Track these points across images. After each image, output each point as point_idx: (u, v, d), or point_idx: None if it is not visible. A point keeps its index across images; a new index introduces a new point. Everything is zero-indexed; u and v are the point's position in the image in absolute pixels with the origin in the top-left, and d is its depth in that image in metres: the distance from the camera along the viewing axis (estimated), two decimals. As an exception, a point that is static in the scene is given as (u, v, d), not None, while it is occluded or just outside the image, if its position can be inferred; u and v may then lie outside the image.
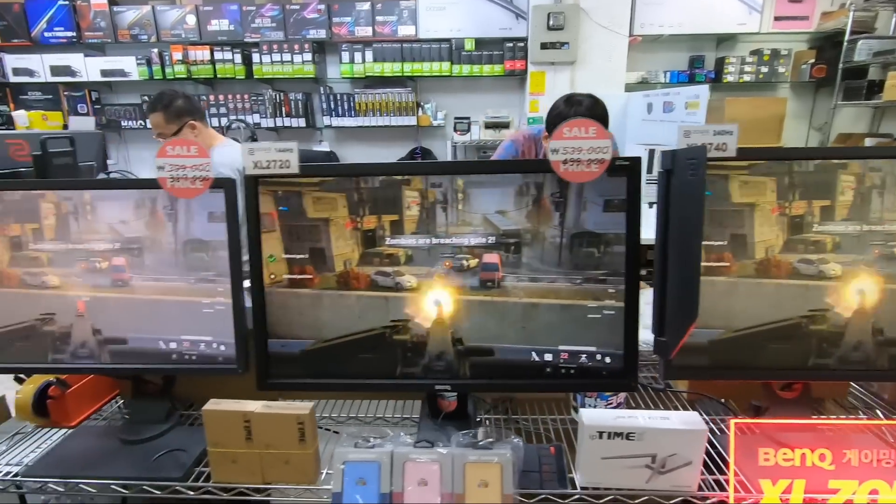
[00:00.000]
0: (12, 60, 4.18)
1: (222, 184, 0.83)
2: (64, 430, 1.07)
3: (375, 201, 0.84)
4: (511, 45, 3.99)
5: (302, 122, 4.22)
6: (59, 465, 0.94)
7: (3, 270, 0.87)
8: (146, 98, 4.18)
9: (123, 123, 4.26)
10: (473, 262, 0.84)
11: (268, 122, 4.20)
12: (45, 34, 4.11)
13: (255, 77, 4.09)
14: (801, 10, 4.05)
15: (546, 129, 1.66)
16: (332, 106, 4.17)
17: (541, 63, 4.00)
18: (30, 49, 4.19)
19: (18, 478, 0.92)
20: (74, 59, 4.15)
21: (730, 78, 4.14)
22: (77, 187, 0.85)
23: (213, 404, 0.88)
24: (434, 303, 0.85)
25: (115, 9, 4.04)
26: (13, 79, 4.21)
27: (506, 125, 4.13)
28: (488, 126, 4.12)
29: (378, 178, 0.84)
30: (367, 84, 4.24)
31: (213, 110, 4.19)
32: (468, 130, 4.13)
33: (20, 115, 3.21)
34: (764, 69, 4.12)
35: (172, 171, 0.82)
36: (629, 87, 4.08)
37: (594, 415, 0.86)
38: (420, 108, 4.22)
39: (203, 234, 0.86)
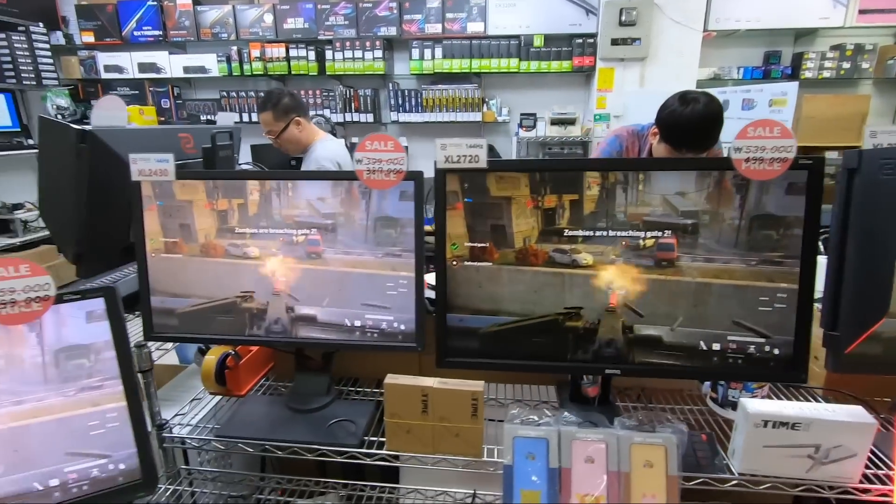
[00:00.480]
0: (104, 58, 4.46)
1: (413, 176, 0.91)
2: (233, 399, 1.19)
3: (556, 182, 0.89)
4: (580, 41, 3.97)
5: (370, 118, 4.34)
6: (246, 427, 1.05)
7: (210, 241, 0.97)
8: (224, 93, 4.39)
9: (203, 117, 4.48)
10: (650, 243, 0.88)
11: (337, 117, 4.34)
12: (135, 33, 4.37)
13: (328, 73, 4.22)
14: (888, 3, 3.86)
15: (657, 126, 1.67)
16: (400, 101, 4.27)
17: (610, 59, 3.97)
18: (120, 48, 4.46)
19: (214, 436, 1.03)
20: (160, 57, 4.39)
21: (808, 74, 4.00)
22: (286, 178, 0.94)
23: (392, 379, 0.97)
24: (608, 282, 0.91)
25: (199, 8, 4.25)
26: (104, 75, 4.50)
27: (572, 122, 4.12)
28: (554, 122, 4.13)
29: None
30: (433, 80, 4.32)
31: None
32: (534, 126, 4.14)
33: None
34: (846, 65, 3.96)
35: (369, 165, 0.90)
36: (700, 84, 4.00)
37: (757, 404, 0.90)
38: (485, 105, 4.26)
39: (393, 211, 0.94)
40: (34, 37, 4.04)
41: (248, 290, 0.97)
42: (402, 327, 0.95)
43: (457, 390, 0.94)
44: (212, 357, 1.13)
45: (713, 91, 3.38)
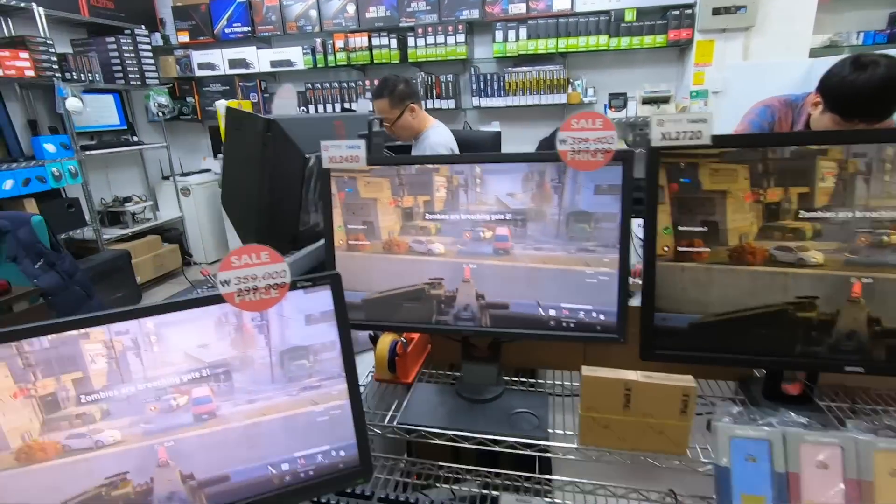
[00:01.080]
0: (198, 56, 4.68)
1: (623, 156, 0.84)
2: (396, 387, 1.19)
3: (783, 172, 0.80)
4: (677, 12, 3.72)
5: (451, 104, 4.30)
6: (426, 415, 1.04)
7: (393, 239, 0.96)
8: (309, 85, 4.49)
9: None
10: (895, 238, 0.78)
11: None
12: (226, 30, 4.55)
13: (409, 61, 4.21)
14: None
15: (820, 95, 1.51)
16: (482, 86, 4.19)
17: (710, 31, 3.70)
18: (212, 45, 4.66)
19: (397, 423, 1.03)
20: (248, 52, 4.55)
21: (944, 36, 3.55)
22: (490, 161, 0.91)
23: (590, 371, 0.92)
24: (846, 279, 0.81)
25: (284, 2, 4.35)
26: (198, 73, 4.72)
27: (665, 100, 3.89)
28: (646, 102, 3.91)
29: (788, 149, 0.80)
30: (514, 63, 4.20)
31: (370, 95, 4.39)
32: (624, 107, 3.95)
33: (221, 105, 3.61)
34: None
35: (574, 144, 0.84)
36: (814, 53, 3.65)
37: None
38: (570, 86, 4.11)
39: (588, 206, 0.88)
40: (138, 39, 4.30)
41: (437, 276, 0.95)
42: (602, 317, 0.90)
43: (666, 385, 0.87)
44: (384, 345, 1.13)
45: (829, 60, 3.09)
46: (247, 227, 1.11)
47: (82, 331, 0.67)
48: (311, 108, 4.52)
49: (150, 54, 4.44)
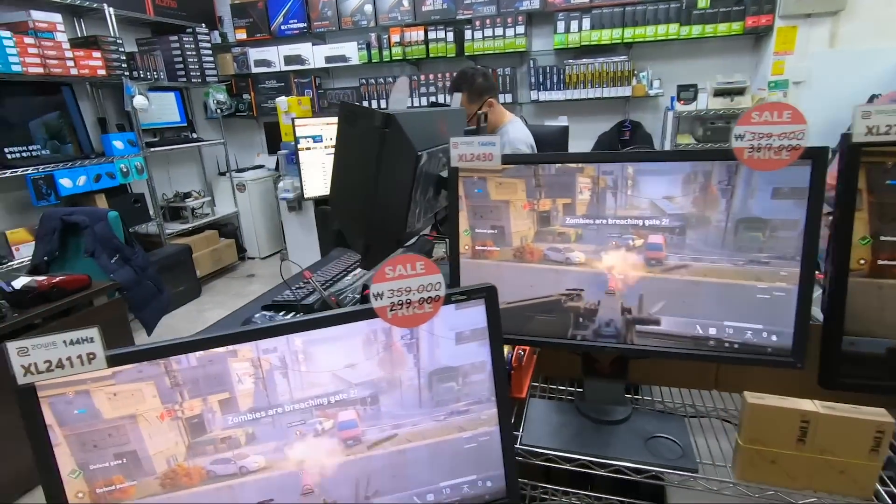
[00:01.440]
0: (254, 53, 4.72)
1: (813, 154, 0.73)
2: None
3: None
4: (756, -3, 3.48)
5: (508, 98, 4.18)
6: (552, 437, 0.95)
7: (526, 245, 0.88)
8: (363, 81, 4.46)
9: (342, 106, 4.59)
10: None
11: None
12: (282, 27, 4.57)
13: (466, 54, 4.11)
14: None
15: None
16: (541, 79, 4.06)
17: (793, 16, 3.44)
18: (268, 42, 4.70)
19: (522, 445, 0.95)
20: (304, 49, 4.56)
21: None
22: (649, 160, 0.81)
23: (756, 398, 0.81)
24: None
25: (340, -2, 4.33)
26: (254, 70, 4.77)
27: (740, 91, 3.66)
28: (718, 93, 3.69)
29: None
30: (574, 55, 4.04)
31: (423, 89, 4.33)
32: (694, 99, 3.73)
33: (282, 101, 3.62)
34: None
35: (755, 141, 0.73)
36: (912, 38, 3.34)
37: None
38: (634, 77, 3.92)
39: (763, 212, 0.77)
40: (199, 37, 4.37)
41: (576, 287, 0.86)
42: (774, 339, 0.79)
43: (857, 419, 0.76)
44: (499, 357, 1.04)
45: None
46: (355, 229, 1.05)
47: (230, 348, 0.61)
48: (366, 103, 4.49)
49: (210, 52, 4.51)
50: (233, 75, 4.87)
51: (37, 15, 3.09)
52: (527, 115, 4.37)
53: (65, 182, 3.32)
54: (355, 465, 0.67)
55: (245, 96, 4.90)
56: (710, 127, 3.73)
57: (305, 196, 3.64)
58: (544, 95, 4.07)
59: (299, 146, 3.51)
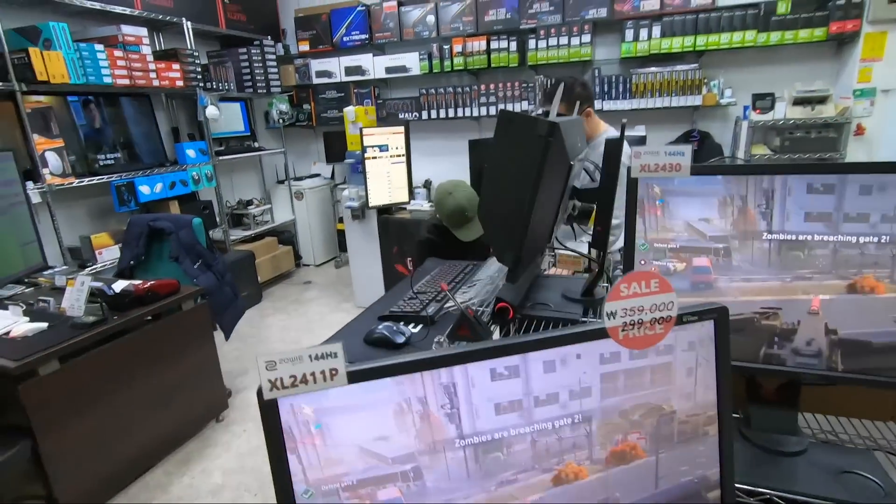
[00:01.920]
0: (316, 65, 4.83)
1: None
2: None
3: None
4: (842, 2, 3.32)
5: (571, 108, 4.11)
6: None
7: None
8: (423, 91, 4.49)
9: (401, 115, 4.63)
10: None
11: (536, 109, 4.19)
12: (344, 39, 4.66)
13: (529, 64, 4.09)
14: None
15: None
16: (605, 88, 3.98)
17: (882, 21, 3.27)
18: (330, 53, 4.79)
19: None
20: (364, 59, 4.63)
21: None
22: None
23: None
24: None
25: (403, 9, 4.38)
26: (315, 80, 4.87)
27: (822, 100, 3.49)
28: (797, 102, 3.53)
29: None
30: (640, 63, 3.96)
31: (483, 99, 4.32)
32: (771, 108, 3.58)
33: (349, 111, 3.67)
34: None
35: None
36: None
37: None
38: (705, 86, 3.80)
39: None
40: (266, 49, 4.49)
41: (772, 306, 0.80)
42: None
43: None
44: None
45: None
46: (504, 240, 1.02)
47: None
48: (424, 113, 4.52)
49: (275, 63, 4.64)
50: (294, 86, 4.99)
51: (126, 29, 3.24)
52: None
53: (144, 189, 3.45)
54: None
55: (305, 106, 5.00)
56: (788, 137, 3.57)
57: (370, 205, 3.68)
58: (609, 105, 3.99)
59: (366, 155, 3.54)
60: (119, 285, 2.15)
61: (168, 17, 3.65)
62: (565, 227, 1.32)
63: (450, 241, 2.20)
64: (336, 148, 4.98)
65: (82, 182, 3.10)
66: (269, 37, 4.63)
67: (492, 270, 1.59)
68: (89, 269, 3.16)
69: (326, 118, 4.95)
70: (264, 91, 4.55)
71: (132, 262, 2.77)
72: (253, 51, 4.38)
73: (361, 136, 3.50)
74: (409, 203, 3.82)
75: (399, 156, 3.70)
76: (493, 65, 4.20)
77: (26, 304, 2.25)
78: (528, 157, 0.95)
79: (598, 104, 4.02)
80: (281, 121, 4.76)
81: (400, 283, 1.71)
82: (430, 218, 2.30)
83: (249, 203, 4.70)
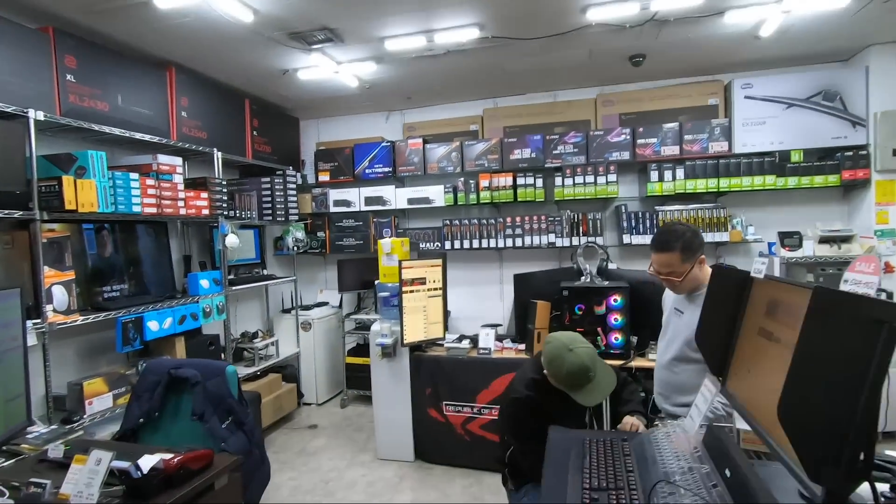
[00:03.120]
0: (334, 194, 4.80)
1: None
2: None
3: None
4: (850, 153, 3.62)
5: (600, 240, 4.14)
6: None
7: None
8: (447, 221, 4.45)
9: (422, 245, 4.54)
10: None
11: (563, 241, 4.19)
12: (367, 171, 4.70)
13: (556, 199, 4.17)
14: None
15: None
16: (632, 224, 4.06)
17: (889, 171, 3.55)
18: (350, 184, 4.80)
19: None
20: (386, 190, 4.64)
21: None
22: None
23: None
24: None
25: (428, 146, 4.52)
26: (333, 209, 4.81)
27: (847, 239, 3.63)
28: (823, 241, 3.66)
29: None
30: (661, 201, 4.10)
31: (509, 231, 4.31)
32: (799, 246, 3.69)
33: (386, 243, 3.51)
34: None
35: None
36: None
37: None
38: (728, 224, 3.92)
39: None
40: (288, 178, 4.45)
41: None
42: None
43: None
44: None
45: None
46: (822, 448, 0.77)
47: None
48: (448, 243, 4.44)
49: (295, 192, 4.57)
50: (310, 213, 4.89)
51: (162, 159, 3.10)
52: (613, 258, 4.30)
53: (152, 325, 3.04)
54: None
55: (319, 234, 4.86)
56: (821, 273, 3.63)
57: (404, 341, 3.37)
58: (637, 239, 4.03)
59: (405, 289, 3.33)
60: (147, 462, 1.69)
61: (201, 148, 3.57)
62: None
63: (550, 400, 1.90)
64: (350, 277, 4.76)
65: (87, 319, 2.69)
66: (290, 167, 4.62)
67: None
68: (75, 424, 2.61)
69: (341, 246, 4.80)
70: (283, 219, 4.41)
71: (141, 420, 2.29)
72: (276, 180, 4.32)
73: (400, 269, 3.31)
74: (444, 339, 3.53)
75: (436, 289, 3.49)
76: (518, 199, 4.26)
77: (8, 487, 1.73)
78: (858, 347, 0.75)
79: (626, 238, 4.07)
80: (296, 248, 4.56)
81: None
82: (528, 369, 2.01)
83: (255, 336, 4.28)
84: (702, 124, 3.92)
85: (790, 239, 3.72)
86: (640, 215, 4.05)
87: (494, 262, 4.71)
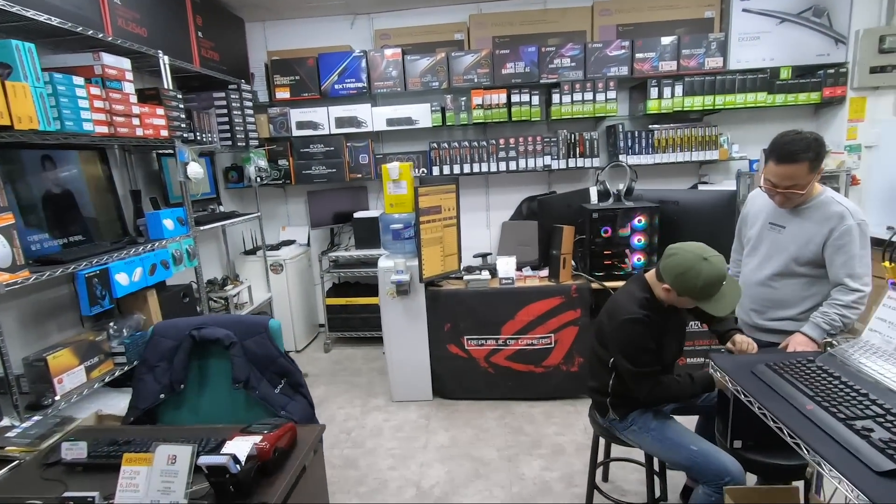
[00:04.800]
0: (297, 115, 4.11)
1: None
2: None
3: None
4: (832, 70, 3.77)
5: (596, 161, 4.03)
6: None
7: None
8: (434, 145, 4.05)
9: (406, 172, 4.11)
10: None
11: (559, 163, 4.02)
12: (336, 87, 4.05)
13: (553, 118, 3.93)
14: None
15: None
16: (629, 144, 3.98)
17: (864, 88, 3.77)
18: (317, 102, 4.14)
19: None
20: (360, 110, 4.07)
21: None
22: None
23: None
24: None
25: (408, 58, 3.97)
26: (296, 132, 4.14)
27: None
28: (802, 156, 3.87)
29: None
30: (655, 120, 4.05)
31: (503, 154, 4.03)
32: (783, 162, 3.87)
33: (393, 168, 3.05)
34: None
35: None
36: (954, 109, 3.80)
37: None
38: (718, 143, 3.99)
39: None
40: (244, 95, 3.70)
41: None
42: None
43: None
44: None
45: None
46: None
47: None
48: (436, 169, 4.07)
49: (252, 113, 3.83)
50: (268, 138, 4.18)
51: (108, 59, 2.32)
52: (607, 177, 4.24)
53: (121, 279, 2.42)
54: None
55: (281, 162, 4.20)
56: (800, 188, 3.86)
57: (423, 276, 3.08)
58: (633, 159, 3.97)
59: (422, 219, 2.99)
60: (241, 448, 1.30)
61: (144, 49, 2.74)
62: None
63: (659, 319, 1.79)
64: (321, 210, 4.24)
65: (41, 276, 2.03)
66: (243, 81, 3.83)
67: None
68: (48, 409, 2.04)
69: (309, 175, 4.20)
70: (244, 144, 3.70)
71: (162, 396, 1.82)
72: (232, 95, 3.56)
73: (417, 196, 2.93)
74: (462, 272, 3.28)
75: (451, 218, 3.18)
76: (513, 118, 3.96)
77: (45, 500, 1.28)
78: None
79: (622, 158, 3.99)
80: (258, 179, 3.90)
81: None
82: (634, 289, 1.85)
83: (225, 283, 3.69)
84: (699, 38, 3.83)
85: (775, 155, 3.88)
86: (637, 135, 3.97)
87: (480, 187, 4.44)
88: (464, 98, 3.96)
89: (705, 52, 3.84)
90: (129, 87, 2.45)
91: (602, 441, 2.15)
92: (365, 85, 4.03)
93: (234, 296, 3.71)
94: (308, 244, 4.58)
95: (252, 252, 4.18)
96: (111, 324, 2.47)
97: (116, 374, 2.41)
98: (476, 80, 3.98)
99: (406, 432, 2.97)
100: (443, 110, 4.00)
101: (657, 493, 2.08)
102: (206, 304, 3.24)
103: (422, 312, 3.19)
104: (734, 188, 3.81)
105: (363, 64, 4.00)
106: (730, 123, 4.14)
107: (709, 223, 2.96)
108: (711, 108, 3.86)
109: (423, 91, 4.03)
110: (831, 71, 3.78)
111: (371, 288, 4.43)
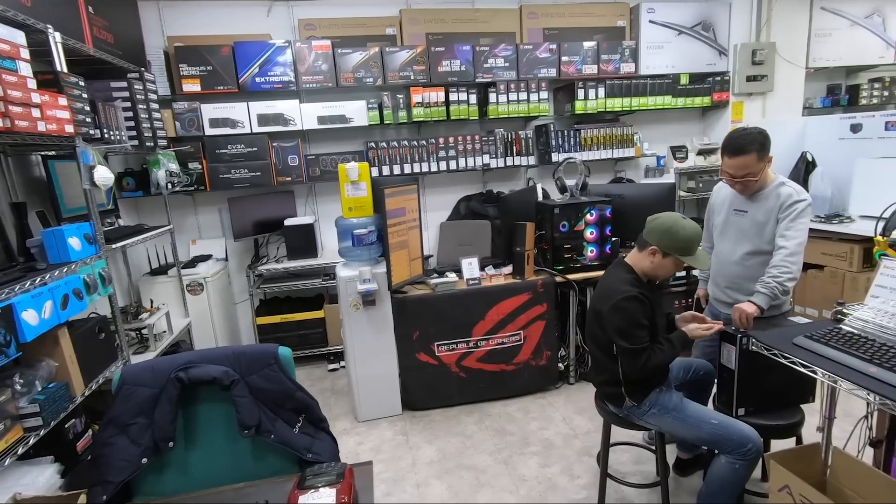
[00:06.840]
0: (210, 111, 3.59)
1: None
2: None
3: None
4: (719, 78, 4.35)
5: (532, 160, 4.16)
6: None
7: None
8: (372, 144, 3.83)
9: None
10: None
11: (497, 162, 4.07)
12: (257, 79, 3.61)
13: (490, 117, 3.96)
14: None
15: None
16: (560, 142, 4.17)
17: (741, 94, 4.42)
18: (234, 97, 3.65)
19: None
20: (287, 106, 3.69)
21: (864, 101, 4.91)
22: None
23: None
24: None
25: (339, 51, 3.70)
26: (210, 131, 3.61)
27: (713, 151, 4.45)
28: (701, 153, 4.42)
29: None
30: (577, 120, 4.32)
31: (443, 153, 3.96)
32: (686, 158, 4.38)
33: (352, 168, 2.77)
34: None
35: None
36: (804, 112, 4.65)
37: None
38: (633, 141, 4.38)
39: None
40: (148, 86, 3.13)
41: None
42: None
43: None
44: None
45: (832, 118, 3.97)
46: None
47: None
48: (375, 170, 3.85)
49: (157, 106, 3.24)
50: (174, 137, 3.58)
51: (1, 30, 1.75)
52: (534, 176, 4.41)
53: (28, 317, 1.86)
54: None
55: (193, 165, 3.63)
56: (701, 180, 4.40)
57: (392, 284, 2.89)
58: (562, 156, 4.17)
59: (389, 221, 2.82)
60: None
61: (31, 22, 2.14)
62: None
63: (650, 294, 1.91)
64: (244, 219, 3.76)
65: (-77, 324, 1.46)
66: (143, 69, 3.22)
67: None
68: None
69: (228, 180, 3.69)
70: (151, 144, 3.11)
71: (145, 461, 1.42)
72: (136, 85, 2.96)
73: (383, 198, 2.73)
74: (430, 277, 3.13)
75: (414, 220, 3.02)
76: (452, 117, 3.91)
77: None
78: None
79: (554, 156, 4.18)
80: (170, 185, 3.31)
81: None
82: (620, 271, 1.97)
83: (138, 312, 3.06)
84: (615, 45, 4.16)
85: (680, 152, 4.38)
86: (566, 134, 4.18)
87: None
88: (401, 95, 3.81)
89: (620, 58, 4.18)
90: (25, 69, 1.89)
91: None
92: (291, 79, 3.66)
93: (153, 325, 3.11)
94: (226, 258, 4.03)
95: (161, 272, 3.54)
96: (16, 377, 1.89)
97: (31, 441, 1.85)
98: (413, 77, 3.85)
99: (387, 453, 2.75)
100: (380, 108, 3.80)
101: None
102: (124, 338, 2.66)
103: (388, 322, 2.99)
104: (673, 181, 4.12)
105: (288, 56, 3.63)
106: (641, 123, 4.56)
107: (652, 213, 3.21)
108: (629, 109, 4.22)
109: (357, 87, 3.79)
110: (718, 78, 4.37)
111: (307, 301, 4.06)
